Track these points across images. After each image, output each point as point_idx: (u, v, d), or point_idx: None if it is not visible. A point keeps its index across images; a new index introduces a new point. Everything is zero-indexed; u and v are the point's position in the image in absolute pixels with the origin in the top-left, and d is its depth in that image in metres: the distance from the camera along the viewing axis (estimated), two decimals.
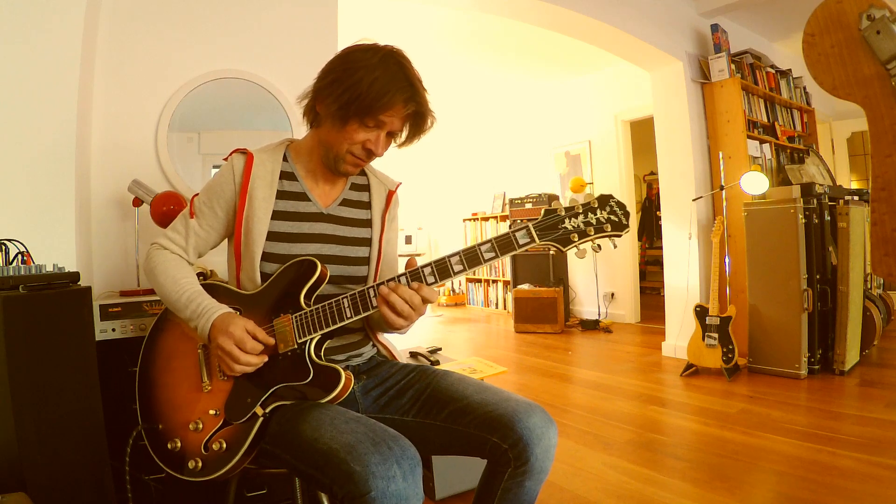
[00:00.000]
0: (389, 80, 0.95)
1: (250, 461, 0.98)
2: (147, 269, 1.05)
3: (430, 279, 0.91)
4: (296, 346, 0.94)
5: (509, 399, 0.97)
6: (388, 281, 0.92)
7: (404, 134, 1.04)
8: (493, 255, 0.90)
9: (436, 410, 1.01)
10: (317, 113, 1.04)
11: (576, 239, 0.89)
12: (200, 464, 0.93)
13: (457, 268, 0.91)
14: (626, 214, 0.90)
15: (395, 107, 0.96)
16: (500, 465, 0.94)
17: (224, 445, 0.92)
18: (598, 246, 0.93)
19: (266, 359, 0.95)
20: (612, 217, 0.90)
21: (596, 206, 0.90)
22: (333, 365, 0.94)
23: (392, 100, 0.95)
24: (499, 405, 0.95)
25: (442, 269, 0.91)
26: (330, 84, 0.98)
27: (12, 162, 1.41)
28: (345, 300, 0.94)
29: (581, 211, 0.90)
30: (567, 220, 0.89)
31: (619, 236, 0.90)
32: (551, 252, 4.75)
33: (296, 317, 0.95)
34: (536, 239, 0.90)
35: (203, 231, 1.06)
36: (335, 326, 0.94)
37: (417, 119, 1.01)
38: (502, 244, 0.90)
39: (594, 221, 0.89)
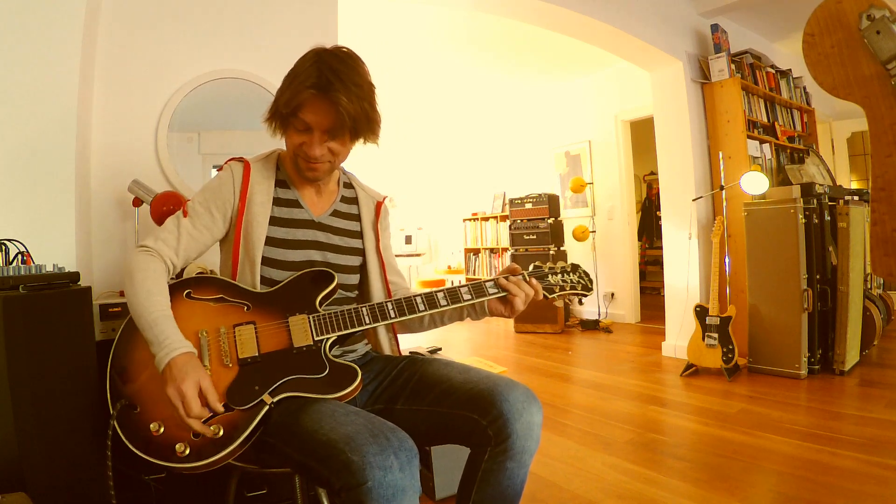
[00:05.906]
0: (300, 77, 0.95)
1: (250, 461, 0.97)
2: (126, 270, 0.97)
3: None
4: (312, 343, 0.97)
5: (491, 376, 0.99)
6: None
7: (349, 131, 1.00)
8: (495, 290, 1.09)
9: (422, 395, 1.03)
10: None
11: (557, 291, 1.15)
12: (188, 449, 0.85)
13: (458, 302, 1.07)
14: (591, 281, 1.21)
15: (305, 101, 0.96)
16: (481, 445, 0.95)
17: (221, 430, 0.87)
18: (572, 299, 1.08)
19: (211, 415, 0.88)
20: (581, 280, 1.19)
21: (569, 270, 1.18)
22: (350, 364, 0.96)
23: (297, 95, 0.95)
24: (480, 382, 0.98)
25: (454, 294, 1.07)
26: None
27: (12, 162, 1.41)
28: (363, 309, 1.01)
29: (559, 271, 1.17)
30: (550, 276, 1.16)
31: (587, 296, 1.21)
32: (551, 252, 4.76)
33: (312, 317, 0.99)
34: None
35: (196, 231, 1.05)
36: (353, 330, 0.99)
37: (338, 109, 0.94)
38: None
39: (569, 281, 1.17)
